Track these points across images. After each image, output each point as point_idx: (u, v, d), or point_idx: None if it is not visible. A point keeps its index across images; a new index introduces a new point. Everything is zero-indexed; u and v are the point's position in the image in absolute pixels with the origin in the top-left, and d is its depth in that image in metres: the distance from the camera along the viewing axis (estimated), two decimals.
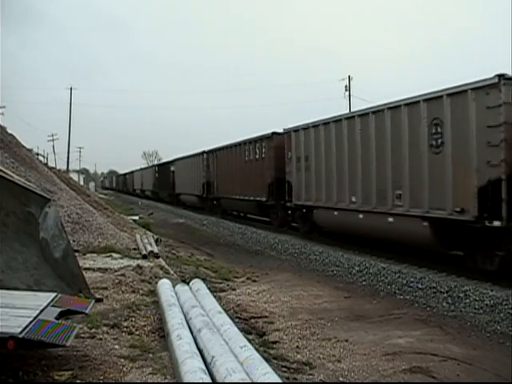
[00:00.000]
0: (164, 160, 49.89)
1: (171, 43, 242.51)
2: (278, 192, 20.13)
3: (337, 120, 16.03)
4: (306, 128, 17.89)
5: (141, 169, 66.34)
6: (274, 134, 21.15)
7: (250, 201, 23.37)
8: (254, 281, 11.09)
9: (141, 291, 7.98)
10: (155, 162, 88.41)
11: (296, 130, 18.61)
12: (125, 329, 6.04)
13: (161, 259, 11.64)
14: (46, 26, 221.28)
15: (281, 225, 20.92)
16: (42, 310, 4.67)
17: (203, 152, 31.90)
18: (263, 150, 21.94)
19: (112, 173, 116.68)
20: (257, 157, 22.63)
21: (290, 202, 19.09)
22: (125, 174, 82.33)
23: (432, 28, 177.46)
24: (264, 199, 21.54)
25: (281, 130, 20.71)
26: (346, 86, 46.11)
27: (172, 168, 41.99)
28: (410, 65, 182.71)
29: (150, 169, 56.66)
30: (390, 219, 13.18)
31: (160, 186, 48.28)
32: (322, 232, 17.75)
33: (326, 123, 16.65)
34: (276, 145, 20.65)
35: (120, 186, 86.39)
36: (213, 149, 30.50)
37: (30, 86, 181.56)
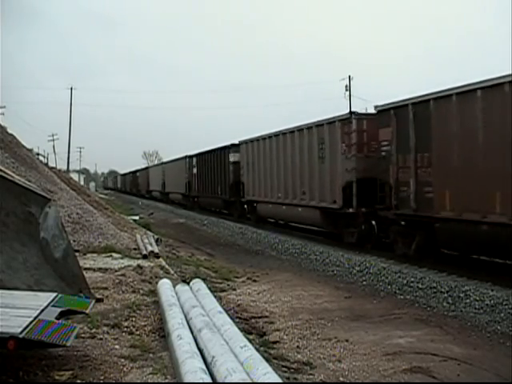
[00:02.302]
0: (206, 148, 31.06)
1: (170, 43, 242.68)
2: None
3: None
4: None
5: (162, 163, 49.90)
6: None
7: None
8: (255, 281, 11.10)
9: (141, 291, 7.99)
10: (156, 162, 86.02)
11: None
12: (125, 329, 6.05)
13: (161, 259, 11.64)
14: (44, 26, 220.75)
15: None
16: (42, 310, 4.67)
17: (352, 114, 15.15)
18: None
19: (113, 173, 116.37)
20: None
21: None
22: (135, 172, 66.24)
23: (433, 29, 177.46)
24: None
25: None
26: (346, 86, 46.13)
27: (233, 158, 25.53)
28: (411, 65, 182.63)
29: (179, 162, 37.85)
30: None
31: (202, 187, 31.36)
32: None
33: None
34: None
35: (127, 186, 72.43)
36: (396, 103, 13.06)
37: (29, 85, 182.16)
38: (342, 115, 15.50)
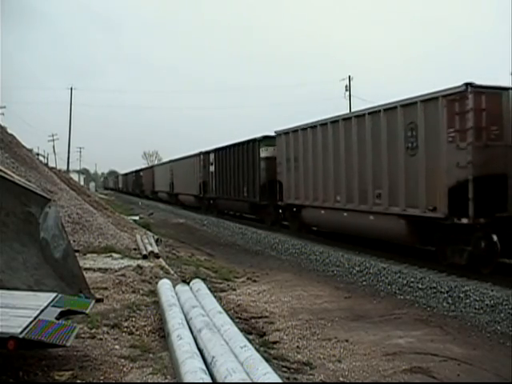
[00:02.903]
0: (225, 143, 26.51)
1: (170, 43, 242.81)
2: None
3: None
4: None
5: (170, 161, 43.04)
6: None
7: None
8: (255, 281, 11.09)
9: (141, 291, 7.99)
10: (156, 162, 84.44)
11: None
12: (125, 329, 6.05)
13: (161, 259, 11.64)
14: (43, 26, 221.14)
15: None
16: (42, 310, 4.67)
17: (468, 86, 10.73)
18: None
19: (113, 173, 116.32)
20: None
21: None
22: (138, 171, 62.11)
23: (433, 29, 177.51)
24: None
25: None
26: (346, 86, 46.18)
27: (266, 152, 21.07)
28: (410, 65, 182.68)
29: (192, 159, 33.17)
30: None
31: (221, 188, 26.86)
32: None
33: None
34: None
35: (129, 186, 68.48)
36: None
37: (29, 85, 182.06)
38: (448, 89, 11.23)
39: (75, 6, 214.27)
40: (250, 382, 3.85)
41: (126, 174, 77.47)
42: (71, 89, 63.84)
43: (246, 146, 23.06)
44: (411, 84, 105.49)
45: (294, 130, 18.22)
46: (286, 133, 18.96)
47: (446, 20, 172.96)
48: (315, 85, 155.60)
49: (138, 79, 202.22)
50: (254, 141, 22.16)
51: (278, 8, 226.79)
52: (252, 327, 7.26)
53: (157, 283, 7.86)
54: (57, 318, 4.70)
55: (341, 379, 5.46)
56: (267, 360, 4.79)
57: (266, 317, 7.96)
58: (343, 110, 27.17)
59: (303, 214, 18.00)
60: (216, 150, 28.20)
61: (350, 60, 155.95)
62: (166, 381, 4.53)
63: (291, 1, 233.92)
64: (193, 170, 32.55)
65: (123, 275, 8.92)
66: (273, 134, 20.50)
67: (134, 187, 62.27)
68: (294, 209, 18.62)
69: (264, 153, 21.01)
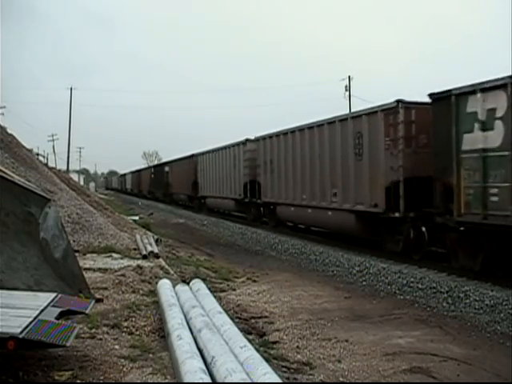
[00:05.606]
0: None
1: (170, 44, 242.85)
2: None
3: None
4: None
5: (242, 141, 24.00)
6: None
7: None
8: (254, 281, 11.09)
9: (141, 291, 7.99)
10: (156, 162, 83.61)
11: None
12: (125, 329, 6.04)
13: (161, 259, 11.63)
14: (43, 26, 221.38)
15: None
16: (42, 310, 4.67)
17: None
18: None
19: (113, 173, 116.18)
20: None
21: None
22: (160, 165, 46.64)
23: (434, 30, 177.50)
24: None
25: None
26: (346, 86, 46.15)
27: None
28: (410, 67, 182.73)
29: (339, 127, 14.82)
30: None
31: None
32: None
33: None
34: None
35: (143, 187, 52.81)
36: None
37: (29, 86, 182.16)
38: None
39: (74, 6, 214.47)
40: (249, 382, 3.85)
41: (138, 171, 61.52)
42: (71, 89, 63.89)
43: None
44: (411, 84, 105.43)
45: None
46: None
47: (446, 20, 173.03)
48: (315, 85, 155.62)
49: (137, 79, 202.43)
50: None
51: (278, 8, 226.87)
52: (252, 327, 7.26)
53: (157, 283, 7.85)
54: (57, 318, 4.70)
55: (341, 379, 5.46)
56: (267, 360, 4.78)
57: (266, 317, 7.96)
58: (343, 110, 27.04)
59: None
60: (343, 118, 14.54)
61: (350, 60, 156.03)
62: (166, 381, 4.52)
63: (291, 1, 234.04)
64: (339, 155, 15.17)
65: (123, 275, 8.91)
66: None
67: (153, 189, 46.09)
68: None
69: None
